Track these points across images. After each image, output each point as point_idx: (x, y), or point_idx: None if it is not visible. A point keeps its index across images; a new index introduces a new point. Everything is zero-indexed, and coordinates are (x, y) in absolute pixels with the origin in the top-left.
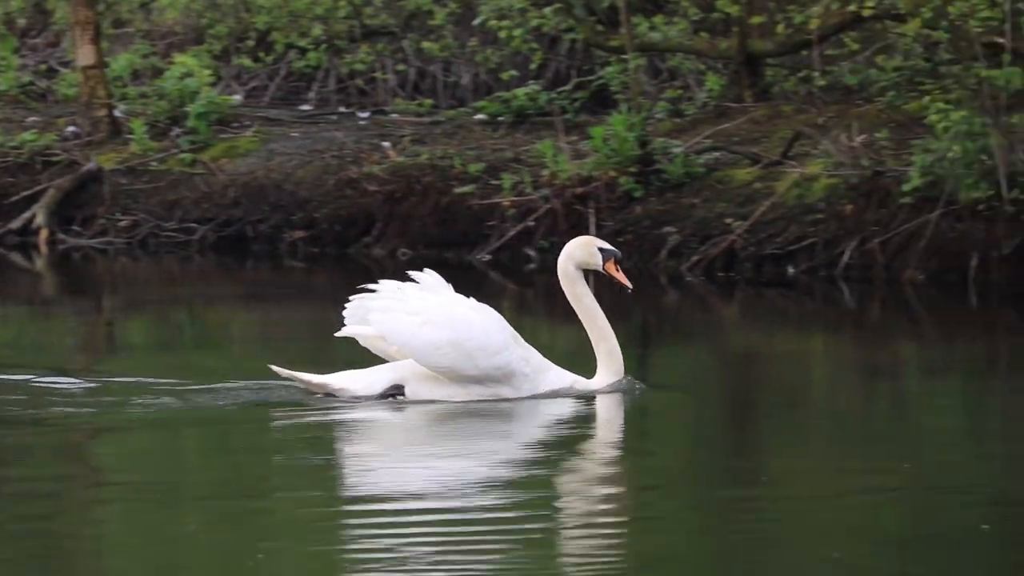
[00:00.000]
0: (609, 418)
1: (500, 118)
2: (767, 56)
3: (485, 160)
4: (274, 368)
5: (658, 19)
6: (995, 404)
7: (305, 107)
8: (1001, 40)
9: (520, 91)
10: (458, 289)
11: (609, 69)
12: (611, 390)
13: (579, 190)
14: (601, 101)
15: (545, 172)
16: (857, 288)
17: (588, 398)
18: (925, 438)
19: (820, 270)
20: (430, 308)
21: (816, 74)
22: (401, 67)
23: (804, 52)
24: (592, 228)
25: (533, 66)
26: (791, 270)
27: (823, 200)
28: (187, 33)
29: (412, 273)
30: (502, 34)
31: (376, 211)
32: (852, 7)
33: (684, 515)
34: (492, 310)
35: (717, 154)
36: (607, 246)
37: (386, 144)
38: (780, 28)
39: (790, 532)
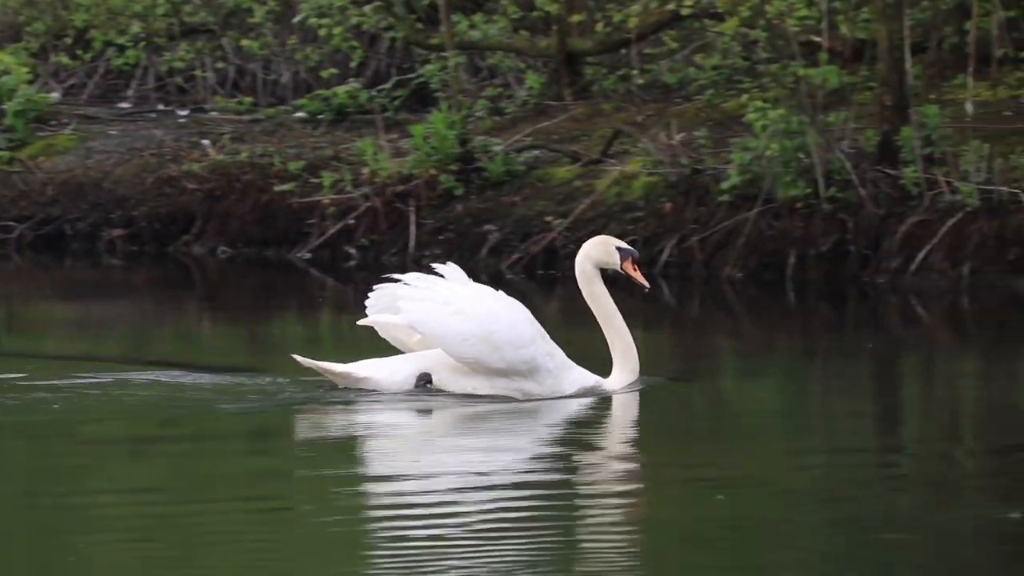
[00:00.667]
0: (629, 416)
1: (320, 116)
2: (587, 55)
3: (305, 158)
4: (297, 358)
5: (478, 17)
6: (812, 400)
7: (124, 105)
8: (818, 39)
9: (340, 89)
10: (281, 288)
11: (429, 67)
12: (629, 389)
13: (399, 188)
14: (421, 99)
15: (365, 170)
16: (677, 285)
17: (608, 397)
18: (738, 434)
19: (640, 268)
20: (461, 299)
21: (635, 72)
22: (221, 65)
23: (623, 51)
24: (412, 227)
25: (353, 64)
26: None
27: (642, 198)
28: (4, 31)
29: (436, 266)
30: (322, 32)
31: (196, 209)
32: (671, 6)
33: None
34: (520, 304)
35: (537, 152)
36: (624, 245)
37: (206, 142)
38: (599, 27)
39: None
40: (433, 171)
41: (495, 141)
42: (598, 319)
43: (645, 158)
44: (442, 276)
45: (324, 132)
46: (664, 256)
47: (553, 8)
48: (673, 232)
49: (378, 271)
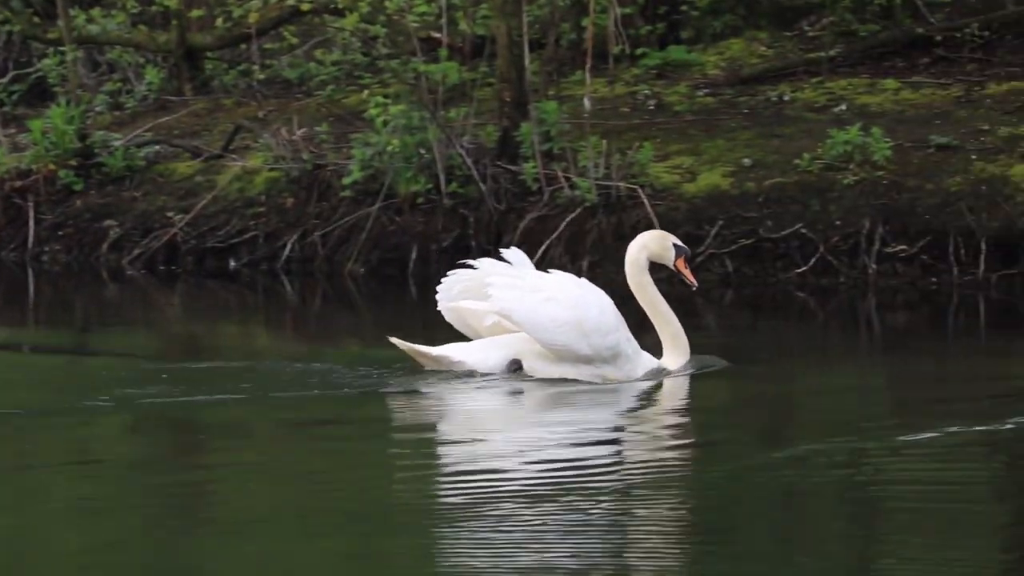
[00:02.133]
0: (694, 397)
1: None
2: (207, 49)
3: None
4: (393, 340)
5: (96, 11)
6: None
7: None
8: (438, 35)
9: None
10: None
11: (47, 61)
12: (685, 372)
13: (18, 183)
14: (40, 94)
15: None
16: (299, 281)
17: (673, 379)
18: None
19: (262, 263)
20: (550, 286)
21: (256, 68)
22: None
23: (244, 45)
24: (31, 223)
25: None
26: (233, 263)
27: (264, 193)
28: None
29: (503, 251)
30: None
31: None
32: (291, 1)
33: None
34: (601, 291)
35: (158, 147)
36: (680, 243)
37: None
38: (220, 22)
39: None
40: (52, 166)
41: (115, 136)
42: (644, 306)
43: (267, 153)
44: (508, 261)
45: None
46: (286, 252)
47: (172, 3)
48: (295, 227)
49: None
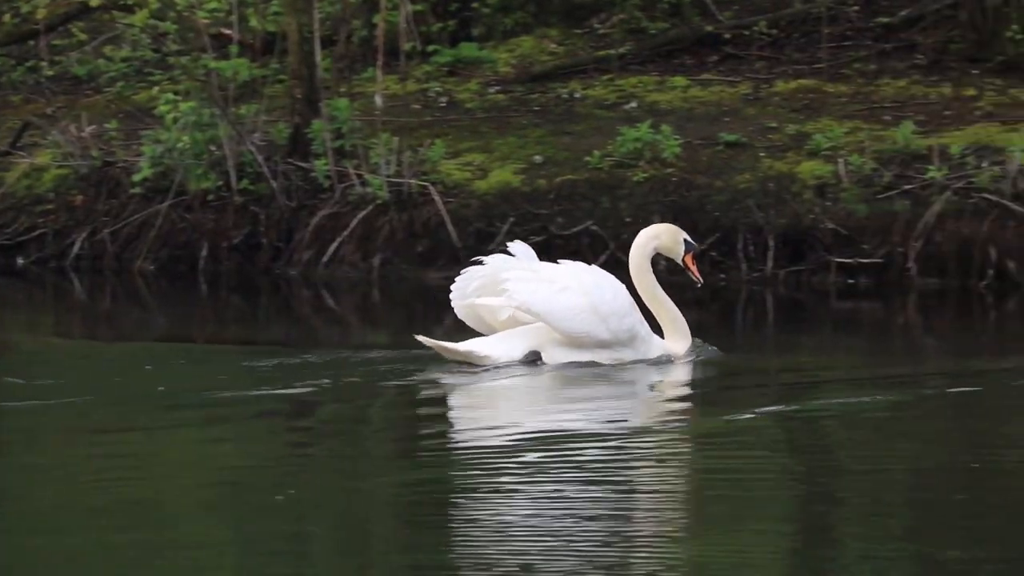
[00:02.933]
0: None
1: None
2: None
3: None
4: (419, 338)
5: None
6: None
7: None
8: (228, 31)
9: None
10: None
11: None
12: (691, 354)
13: None
14: None
15: None
16: (88, 279)
17: (678, 362)
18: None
19: (51, 261)
20: (564, 276)
21: (44, 64)
22: None
23: (31, 42)
24: None
25: None
26: (20, 261)
27: (53, 190)
28: None
29: (509, 245)
30: None
31: None
32: None
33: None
34: (612, 275)
35: None
36: (690, 239)
37: None
38: (7, 17)
39: None
40: None
41: None
42: (642, 293)
43: (55, 150)
44: (514, 255)
45: None
46: (75, 249)
47: None
48: (84, 225)
49: None
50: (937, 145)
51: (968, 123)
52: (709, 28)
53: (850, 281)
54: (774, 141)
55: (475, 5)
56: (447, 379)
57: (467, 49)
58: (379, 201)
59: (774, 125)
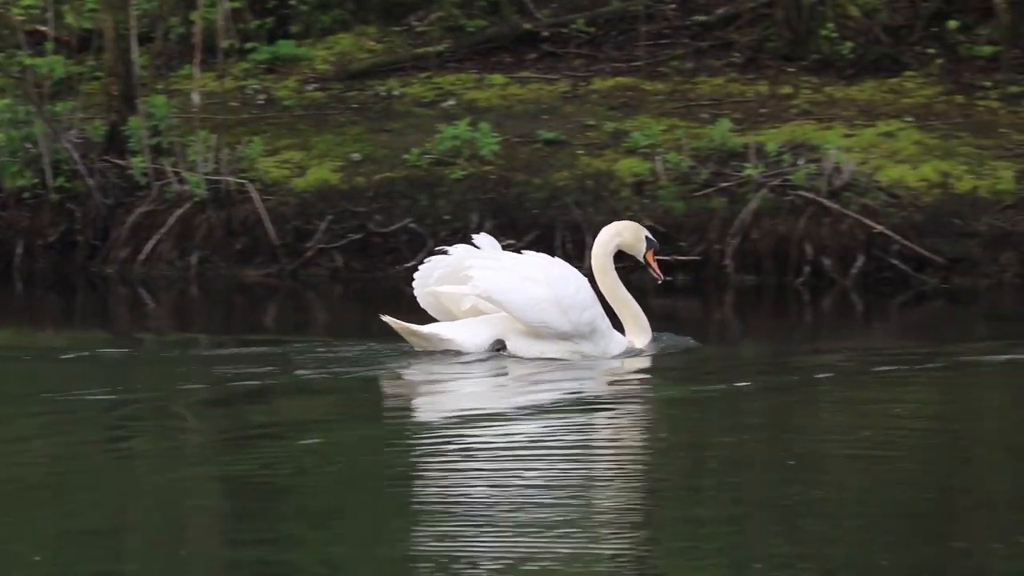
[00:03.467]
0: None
1: None
2: None
3: None
4: (385, 319)
5: None
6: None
7: None
8: (44, 28)
9: None
10: None
11: None
12: (653, 349)
13: None
14: None
15: None
16: None
17: (642, 356)
18: None
19: None
20: (526, 266)
21: None
22: None
23: None
24: None
25: None
26: None
27: None
28: None
29: (474, 237)
30: None
31: None
32: None
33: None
34: (575, 268)
35: None
36: (651, 236)
37: None
38: None
39: None
40: None
41: None
42: (603, 289)
43: None
44: (478, 246)
45: None
46: None
47: None
48: None
49: None
50: (754, 143)
51: (784, 121)
52: (527, 26)
53: (668, 278)
54: (592, 139)
55: (292, 2)
56: (256, 382)
57: (285, 47)
58: (197, 199)
59: (592, 123)
